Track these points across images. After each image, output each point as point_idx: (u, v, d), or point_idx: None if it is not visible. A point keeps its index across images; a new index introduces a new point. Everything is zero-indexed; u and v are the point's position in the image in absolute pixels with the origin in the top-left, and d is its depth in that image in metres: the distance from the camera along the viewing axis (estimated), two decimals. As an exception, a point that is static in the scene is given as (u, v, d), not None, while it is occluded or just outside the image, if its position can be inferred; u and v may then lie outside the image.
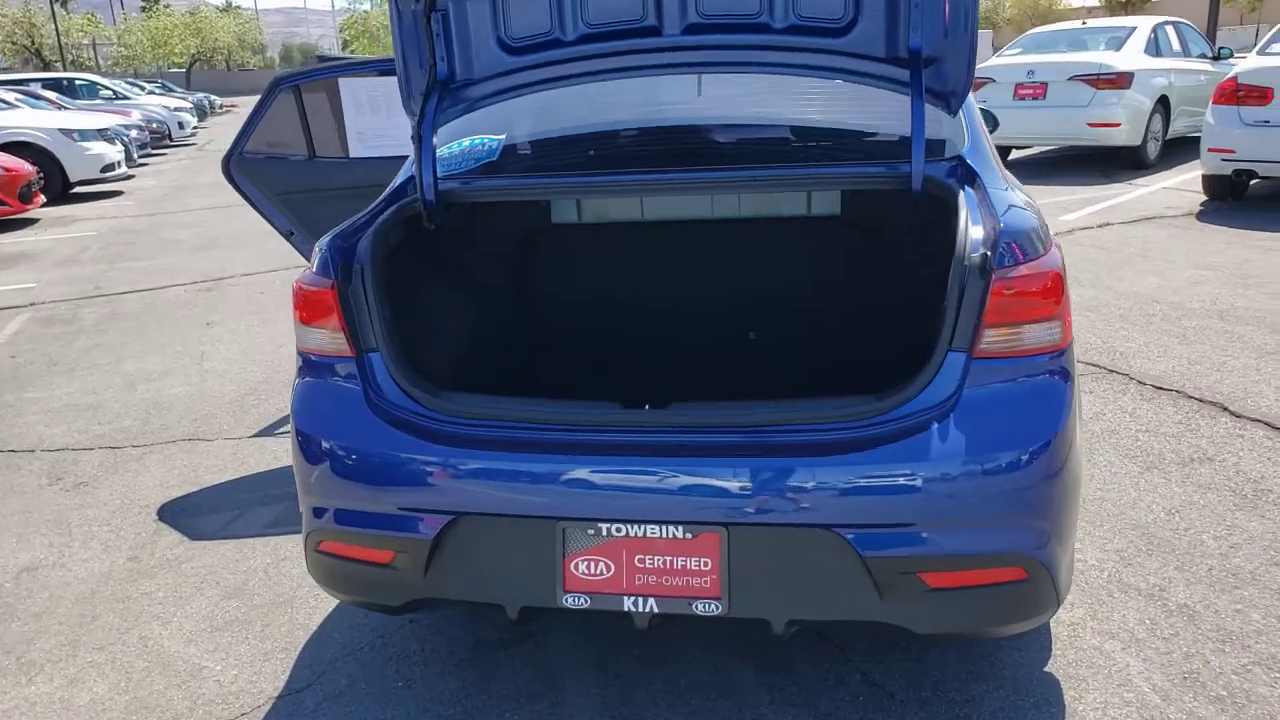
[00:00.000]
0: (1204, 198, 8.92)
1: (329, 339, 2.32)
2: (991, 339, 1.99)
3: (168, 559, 3.38)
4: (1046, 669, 2.53)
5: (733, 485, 2.01)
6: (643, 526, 2.06)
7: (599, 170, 2.59)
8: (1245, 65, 8.34)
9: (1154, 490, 3.47)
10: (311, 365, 2.36)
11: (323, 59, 4.48)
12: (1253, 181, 8.56)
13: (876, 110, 2.67)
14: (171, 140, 23.37)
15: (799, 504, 1.99)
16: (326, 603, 3.02)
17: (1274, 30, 8.86)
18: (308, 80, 4.12)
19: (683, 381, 2.83)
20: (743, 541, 2.03)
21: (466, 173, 2.67)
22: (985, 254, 2.01)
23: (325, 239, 2.38)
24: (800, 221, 2.92)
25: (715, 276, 3.21)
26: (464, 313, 2.94)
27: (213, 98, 38.25)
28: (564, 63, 2.55)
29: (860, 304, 3.15)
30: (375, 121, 4.08)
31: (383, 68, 4.18)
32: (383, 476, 2.20)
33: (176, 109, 25.22)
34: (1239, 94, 8.16)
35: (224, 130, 28.06)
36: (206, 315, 6.82)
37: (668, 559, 2.07)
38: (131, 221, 11.62)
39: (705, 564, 2.05)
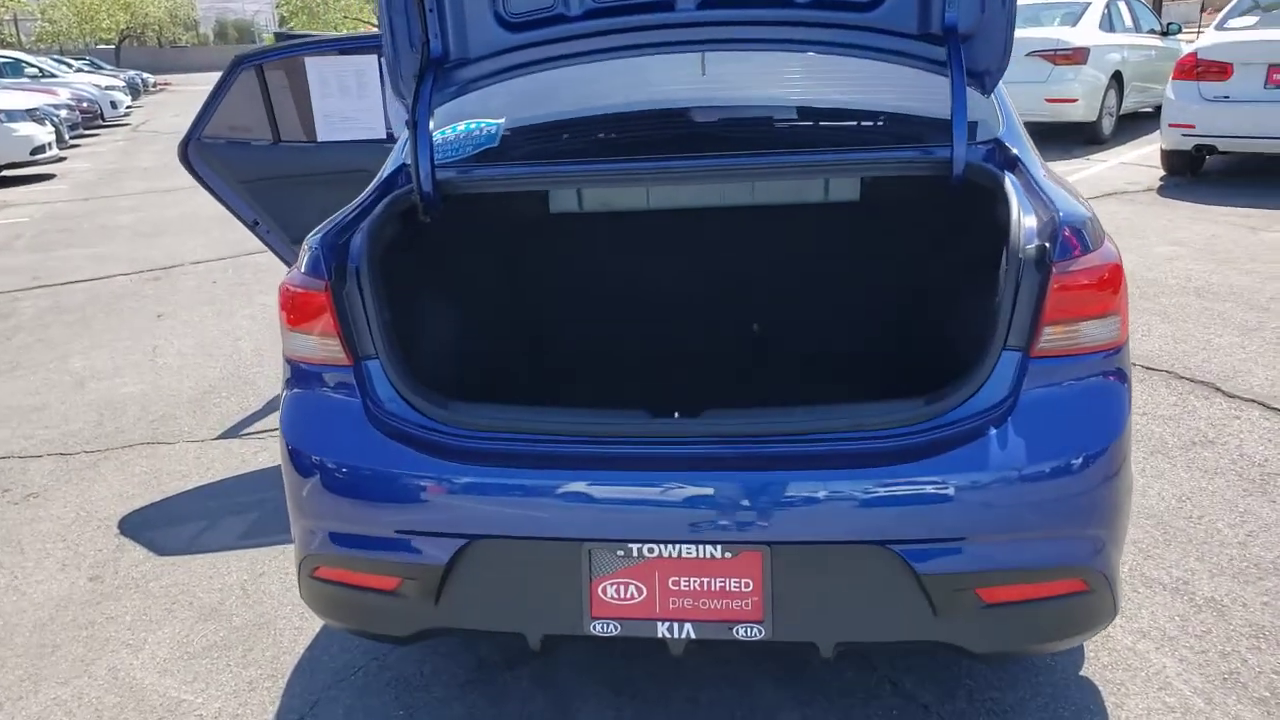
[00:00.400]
0: (1162, 172, 8.98)
1: (322, 345, 2.11)
2: (1051, 337, 1.86)
3: (133, 578, 3.14)
4: (1082, 673, 2.43)
5: (775, 500, 1.86)
6: (677, 546, 1.91)
7: (608, 157, 2.41)
8: (1205, 41, 8.38)
9: (1161, 476, 3.40)
10: (302, 374, 2.16)
11: (283, 36, 4.19)
12: (1208, 156, 8.63)
13: (902, 90, 2.52)
14: (104, 120, 22.44)
15: (848, 519, 1.85)
16: (313, 622, 2.82)
17: (1231, 4, 8.91)
18: (271, 59, 3.85)
19: (700, 382, 2.67)
20: (787, 560, 1.88)
21: (464, 160, 2.47)
22: (1043, 245, 1.88)
23: (315, 236, 2.17)
24: (817, 209, 2.77)
25: (725, 268, 3.04)
26: (460, 313, 2.74)
27: (146, 76, 36.84)
28: (568, 40, 2.36)
29: (883, 297, 3.01)
30: (344, 104, 3.83)
31: (348, 46, 3.92)
32: (386, 496, 2.01)
33: (108, 87, 24.20)
34: (1198, 69, 8.19)
35: (160, 110, 27.07)
36: (156, 306, 6.48)
37: (705, 580, 1.92)
38: (67, 207, 11.07)
39: (746, 585, 1.90)
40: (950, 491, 1.82)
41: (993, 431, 1.85)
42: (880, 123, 2.57)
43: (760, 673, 2.47)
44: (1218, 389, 4.15)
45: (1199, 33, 13.21)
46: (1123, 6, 11.79)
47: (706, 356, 2.94)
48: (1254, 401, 4.01)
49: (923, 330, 2.68)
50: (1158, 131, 8.72)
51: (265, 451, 4.03)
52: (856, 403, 1.96)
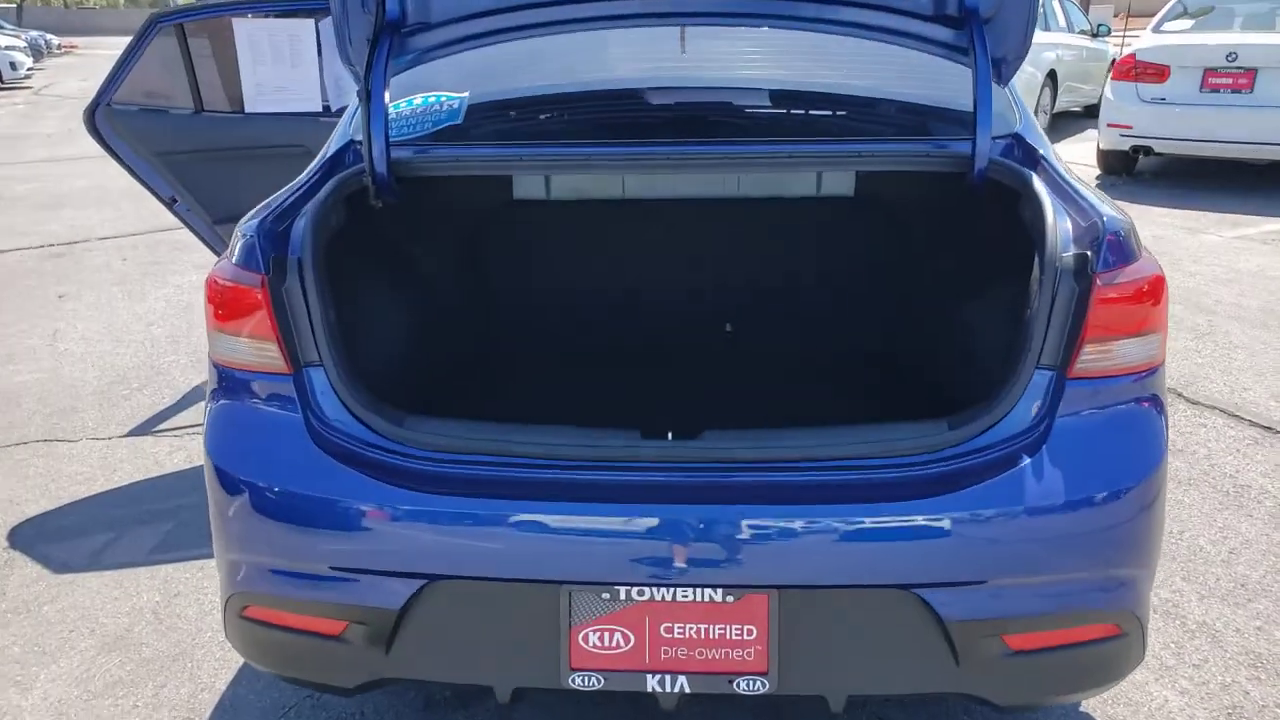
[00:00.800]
0: (1098, 172, 9.07)
1: (256, 350, 1.82)
2: (1090, 356, 1.68)
3: (23, 600, 2.77)
4: (1083, 709, 2.28)
5: (785, 537, 1.64)
6: (671, 589, 1.67)
7: (584, 140, 2.16)
8: (1142, 43, 8.46)
9: (1135, 489, 3.30)
10: (232, 383, 1.85)
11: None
12: (1140, 157, 8.73)
13: (911, 76, 2.31)
14: (2, 82, 21.17)
15: (867, 559, 1.64)
16: (238, 653, 2.50)
17: (1167, 7, 9.02)
18: (194, 19, 3.46)
19: (690, 393, 2.44)
20: (795, 605, 1.67)
21: (421, 138, 2.18)
22: (1084, 254, 1.69)
23: (250, 221, 1.87)
24: (808, 204, 2.55)
25: (708, 265, 2.80)
26: (417, 312, 2.45)
27: (49, 37, 34.79)
28: (541, 6, 2.09)
29: (880, 303, 2.81)
30: (277, 72, 3.48)
31: (282, 8, 3.56)
32: (330, 527, 1.74)
33: (7, 48, 22.78)
34: (1137, 71, 8.27)
35: (65, 74, 25.58)
36: (58, 286, 5.96)
37: (702, 627, 1.69)
38: (-42, 174, 10.26)
39: (749, 632, 1.68)
40: (981, 528, 1.63)
41: (1026, 461, 1.66)
42: (886, 111, 2.36)
43: (737, 708, 2.26)
44: (1180, 395, 4.10)
45: (1124, 37, 13.40)
46: (1056, 5, 11.90)
47: (694, 364, 2.69)
48: (1215, 409, 3.96)
49: (926, 342, 2.49)
50: (1089, 131, 8.78)
51: (181, 451, 3.66)
52: (874, 424, 1.75)
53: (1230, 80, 7.69)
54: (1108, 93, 8.56)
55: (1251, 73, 7.57)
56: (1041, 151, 2.06)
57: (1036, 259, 1.76)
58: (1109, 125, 8.52)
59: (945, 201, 2.31)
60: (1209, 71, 7.82)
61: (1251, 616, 2.62)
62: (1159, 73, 8.19)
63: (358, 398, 1.79)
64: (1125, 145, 8.49)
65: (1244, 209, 7.44)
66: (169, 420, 3.97)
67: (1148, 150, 8.43)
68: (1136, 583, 1.73)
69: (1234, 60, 7.63)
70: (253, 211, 1.92)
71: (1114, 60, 10.20)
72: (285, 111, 3.50)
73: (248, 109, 3.57)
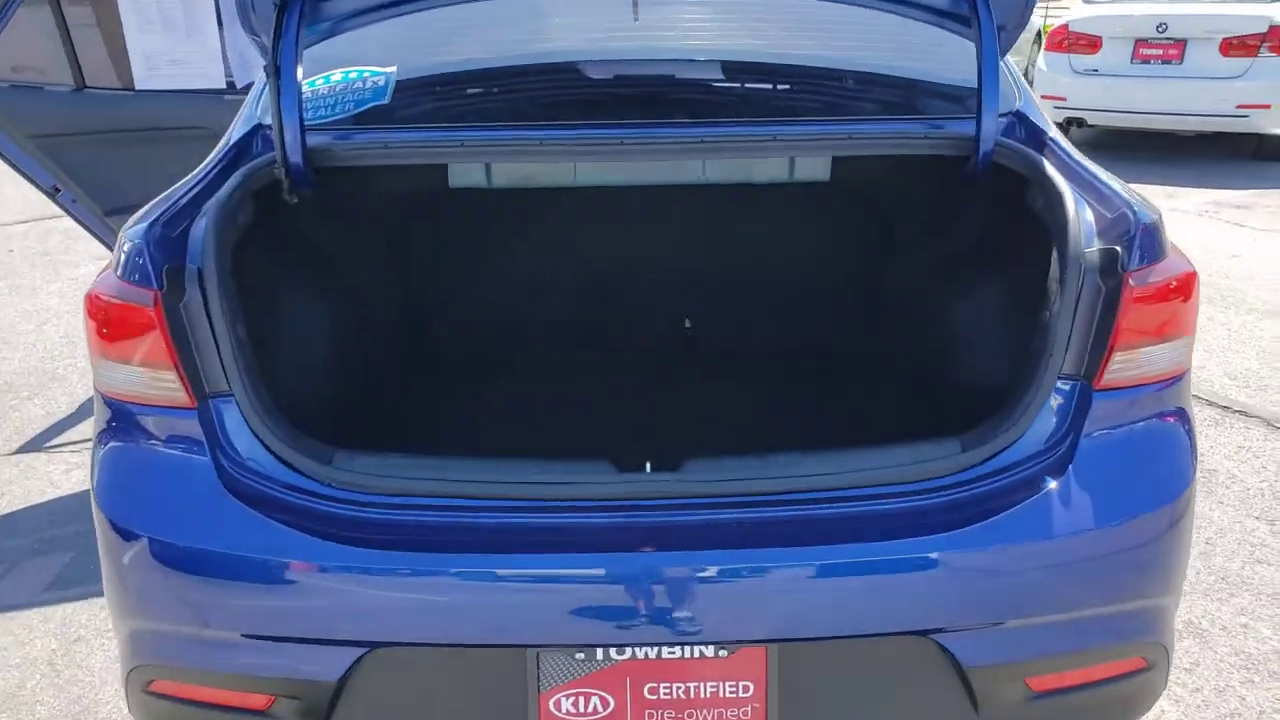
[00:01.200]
0: (1030, 144, 9.06)
1: (151, 380, 1.53)
2: (1121, 363, 1.51)
3: (-102, 653, 2.42)
4: (1081, 728, 2.14)
5: (784, 583, 1.45)
6: (655, 646, 1.45)
7: (534, 121, 1.90)
8: (1075, 14, 8.45)
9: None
10: (124, 419, 1.57)
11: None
12: (1072, 129, 8.75)
13: (899, 47, 2.10)
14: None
15: (878, 604, 1.46)
16: (148, 710, 2.21)
17: (1098, -22, 9.02)
18: (69, -18, 3.07)
19: (659, 410, 2.20)
20: (797, 658, 1.47)
21: (343, 121, 1.89)
22: (1114, 250, 1.51)
23: (136, 225, 1.57)
24: (780, 191, 2.32)
25: (669, 261, 2.55)
26: (340, 324, 2.15)
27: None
28: None
29: (863, 301, 2.57)
30: (169, 42, 3.12)
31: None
32: (250, 589, 1.48)
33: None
34: (1068, 42, 8.26)
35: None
36: (-65, 282, 5.43)
37: (693, 686, 1.48)
38: None
39: (745, 689, 1.48)
40: (1003, 562, 1.45)
41: (1051, 484, 1.48)
42: (873, 88, 2.14)
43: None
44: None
45: (1047, 9, 13.52)
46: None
47: (660, 374, 2.43)
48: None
49: (912, 347, 2.28)
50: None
51: (79, 470, 3.30)
52: (876, 447, 1.55)
53: (1161, 51, 7.71)
54: (1041, 64, 8.54)
55: (1181, 44, 7.60)
56: (1049, 132, 1.87)
57: (1055, 254, 1.57)
58: (1042, 97, 8.47)
59: (934, 188, 2.12)
60: (1140, 42, 7.83)
61: (1236, 612, 2.53)
62: (1091, 44, 8.19)
63: (277, 432, 1.52)
64: (1059, 117, 8.48)
65: (1178, 181, 7.49)
66: (64, 434, 3.59)
67: (1081, 122, 8.44)
68: (1164, 611, 1.58)
69: (1164, 31, 7.64)
70: (141, 212, 1.62)
71: (1039, 31, 10.22)
72: (182, 89, 3.14)
73: (138, 85, 3.20)
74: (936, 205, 2.26)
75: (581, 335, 2.57)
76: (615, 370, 2.38)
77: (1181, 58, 7.62)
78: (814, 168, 2.21)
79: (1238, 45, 7.41)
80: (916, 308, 2.27)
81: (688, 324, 2.66)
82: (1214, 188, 7.24)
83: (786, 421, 2.15)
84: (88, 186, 3.26)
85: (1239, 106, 7.45)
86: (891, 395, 2.24)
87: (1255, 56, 7.34)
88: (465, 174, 2.24)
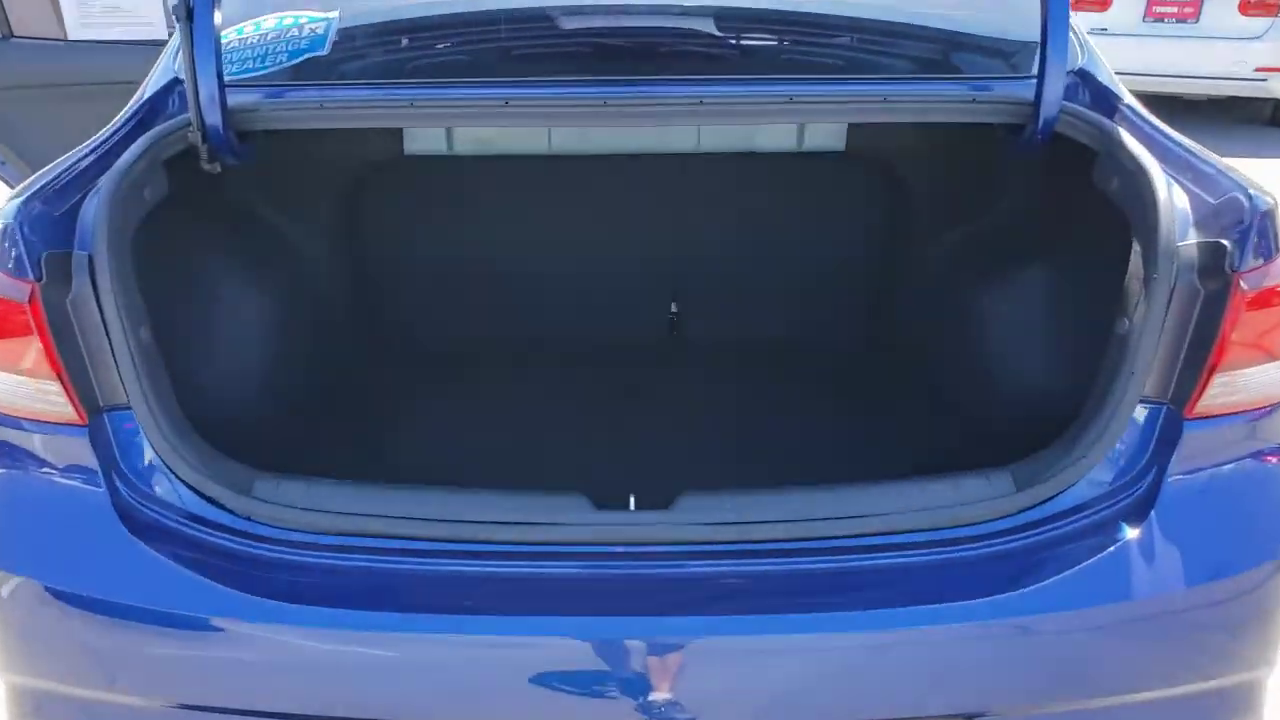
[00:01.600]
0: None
1: (31, 391, 1.27)
2: (1221, 386, 1.24)
3: None
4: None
5: (795, 661, 1.22)
6: None
7: (502, 77, 1.62)
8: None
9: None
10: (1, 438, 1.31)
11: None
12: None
13: None
14: None
15: (907, 684, 1.22)
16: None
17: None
18: (-16, -86, 2.74)
19: (632, 420, 1.92)
20: None
21: (273, 76, 1.59)
22: (1220, 245, 1.23)
23: (10, 202, 1.29)
24: (786, 161, 2.02)
25: (656, 242, 2.24)
26: (273, 319, 1.85)
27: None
28: None
29: (880, 293, 2.25)
30: (104, -14, 2.80)
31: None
32: (154, 649, 1.23)
33: None
34: (1078, -1, 7.92)
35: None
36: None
37: None
38: None
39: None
40: (1065, 632, 1.20)
41: (1127, 533, 1.22)
42: (902, 40, 1.84)
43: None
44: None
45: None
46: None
47: (644, 375, 2.12)
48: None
49: (940, 349, 1.98)
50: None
51: None
52: (906, 480, 1.29)
53: (1175, 9, 7.37)
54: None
55: (1197, 1, 7.26)
56: (1123, 97, 1.58)
57: (1137, 247, 1.30)
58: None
59: (970, 159, 1.84)
60: (1153, 0, 7.50)
61: None
62: (1100, 1, 7.85)
63: (185, 453, 1.26)
64: (1064, 79, 8.18)
65: (1187, 146, 7.19)
66: None
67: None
68: (1258, 687, 1.32)
69: (1180, -13, 7.31)
70: (20, 189, 1.35)
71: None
72: (121, 39, 2.83)
73: (70, 35, 2.89)
74: (972, 181, 1.95)
75: (556, 329, 2.24)
76: (595, 373, 2.08)
77: (1197, 16, 7.29)
78: (827, 135, 1.92)
79: (1257, 4, 7.09)
80: (947, 303, 1.98)
81: (674, 308, 2.36)
82: (1226, 156, 6.96)
83: (794, 438, 1.87)
84: (18, 148, 2.96)
85: (1257, 70, 7.15)
86: (916, 406, 1.95)
87: (1276, 16, 7.02)
88: (423, 139, 1.94)
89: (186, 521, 1.25)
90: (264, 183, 1.88)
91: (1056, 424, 1.35)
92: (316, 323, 2.03)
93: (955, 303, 1.97)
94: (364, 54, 1.76)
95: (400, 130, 1.93)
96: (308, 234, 2.03)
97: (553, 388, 2.06)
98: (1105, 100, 1.57)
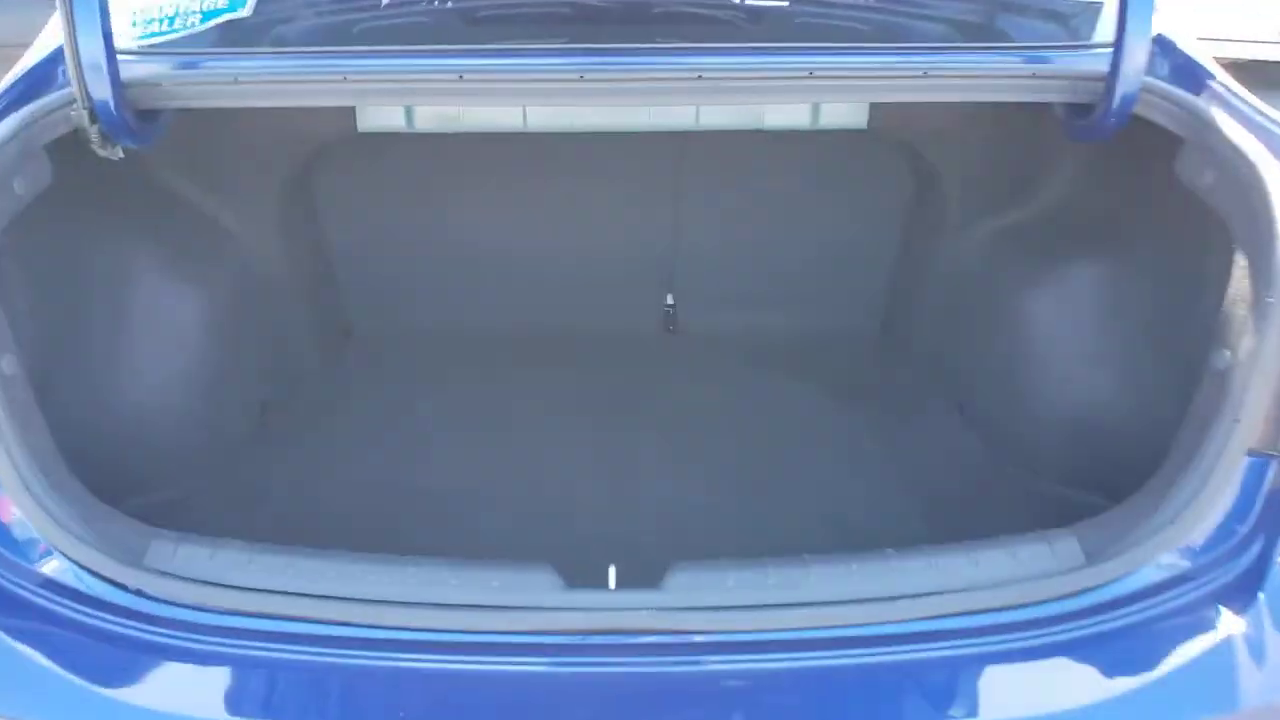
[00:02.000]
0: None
1: None
2: None
3: None
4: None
5: None
6: None
7: (467, 43, 1.37)
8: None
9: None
10: None
11: None
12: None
13: None
14: None
15: None
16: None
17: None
18: None
19: (615, 453, 1.67)
20: None
21: (185, 41, 1.33)
22: None
23: None
24: (799, 140, 1.75)
25: (650, 229, 1.96)
26: (196, 330, 1.58)
27: None
28: None
29: (908, 290, 1.98)
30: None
31: None
32: None
33: None
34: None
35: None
36: None
37: None
38: None
39: None
40: None
41: (1227, 620, 0.98)
42: (945, 1, 1.55)
43: None
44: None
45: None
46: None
47: (630, 392, 1.86)
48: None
49: (977, 353, 1.72)
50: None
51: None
52: (947, 548, 1.06)
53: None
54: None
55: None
56: (1214, 72, 1.31)
57: (1241, 260, 1.05)
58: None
59: (1014, 141, 1.59)
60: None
61: None
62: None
63: (56, 506, 1.02)
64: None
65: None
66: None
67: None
68: None
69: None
70: None
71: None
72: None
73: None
74: (1015, 165, 1.68)
75: (537, 328, 1.97)
76: (578, 378, 1.83)
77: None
78: (847, 111, 1.66)
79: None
80: (979, 304, 1.72)
81: (670, 300, 2.11)
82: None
83: (803, 461, 1.63)
84: None
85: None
86: (937, 420, 1.70)
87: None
88: (377, 115, 1.67)
89: (58, 597, 1.02)
90: (193, 165, 1.61)
91: (1109, 459, 1.16)
92: (260, 323, 1.77)
93: (987, 305, 1.72)
94: (295, 17, 1.49)
95: (352, 108, 1.67)
96: (249, 225, 1.74)
97: (530, 397, 1.82)
98: (1190, 74, 1.30)
